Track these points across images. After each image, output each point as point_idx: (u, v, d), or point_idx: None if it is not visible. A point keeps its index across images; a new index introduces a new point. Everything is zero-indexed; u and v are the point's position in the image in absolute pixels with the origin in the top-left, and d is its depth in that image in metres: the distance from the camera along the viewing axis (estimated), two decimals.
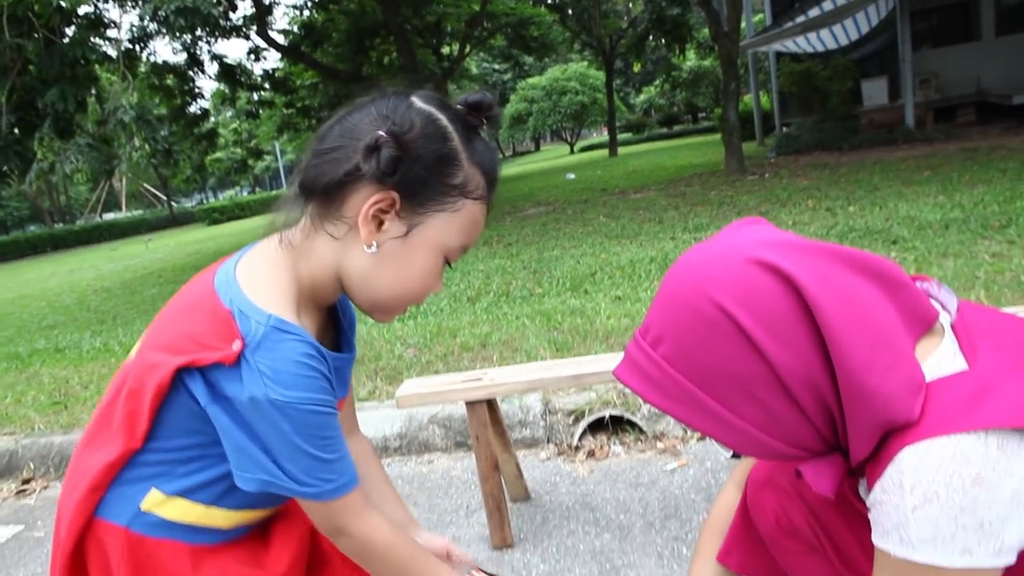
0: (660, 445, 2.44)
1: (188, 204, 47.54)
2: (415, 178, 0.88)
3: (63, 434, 3.22)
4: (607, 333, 3.31)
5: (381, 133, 0.85)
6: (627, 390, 2.59)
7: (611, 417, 2.53)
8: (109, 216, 40.71)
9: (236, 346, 0.83)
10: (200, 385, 0.86)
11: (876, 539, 0.86)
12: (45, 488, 3.04)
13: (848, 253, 0.87)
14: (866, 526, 1.06)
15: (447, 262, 0.95)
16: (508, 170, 27.55)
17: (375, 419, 2.73)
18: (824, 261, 0.85)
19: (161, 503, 0.93)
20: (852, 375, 0.82)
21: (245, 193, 45.85)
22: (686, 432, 2.47)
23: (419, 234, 0.91)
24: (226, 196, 43.83)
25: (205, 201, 48.49)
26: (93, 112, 8.59)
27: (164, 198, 40.43)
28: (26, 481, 3.08)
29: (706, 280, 0.85)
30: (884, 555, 0.85)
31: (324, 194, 0.89)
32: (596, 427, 2.55)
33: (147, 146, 10.92)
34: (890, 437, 0.84)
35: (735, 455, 0.97)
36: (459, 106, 0.93)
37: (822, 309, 0.81)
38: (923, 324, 0.89)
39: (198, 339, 0.85)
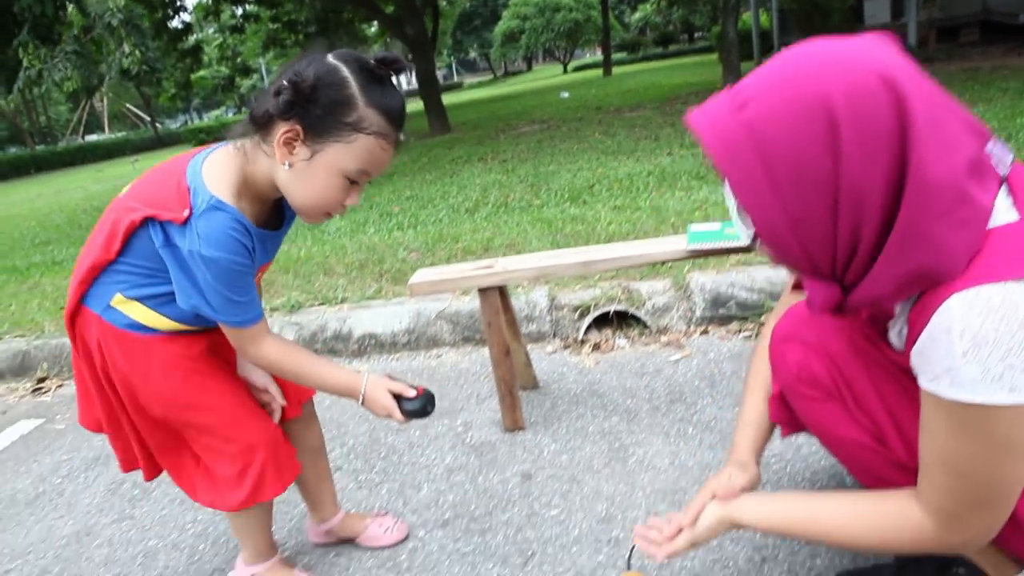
0: (664, 339, 2.51)
1: (173, 125, 46.46)
2: (314, 116, 1.16)
3: None
4: (609, 237, 3.35)
5: (284, 82, 1.15)
6: (631, 286, 2.64)
7: (616, 312, 2.59)
8: (92, 138, 39.79)
9: (185, 213, 1.19)
10: (159, 232, 1.22)
11: (925, 384, 0.90)
12: (60, 387, 3.11)
13: (958, 104, 0.87)
14: (884, 374, 1.12)
15: (353, 182, 1.22)
16: (500, 90, 27.00)
17: (384, 316, 2.79)
18: (937, 100, 0.84)
19: (122, 303, 1.30)
20: (922, 218, 0.82)
21: (231, 114, 44.69)
22: (689, 326, 2.54)
23: (320, 158, 1.19)
24: (212, 116, 42.86)
25: (190, 122, 47.37)
26: (76, 19, 8.28)
27: (147, 119, 39.48)
28: (41, 380, 3.14)
29: (825, 70, 0.83)
30: (934, 399, 0.89)
31: (258, 123, 1.21)
32: (601, 322, 2.62)
33: (137, 53, 10.58)
34: (931, 288, 0.86)
35: (751, 245, 0.99)
36: (372, 60, 1.19)
37: (923, 149, 0.80)
38: (996, 189, 0.88)
39: (164, 202, 1.21)
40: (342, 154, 1.18)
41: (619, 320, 2.60)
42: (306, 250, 4.09)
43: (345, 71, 1.17)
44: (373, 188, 6.53)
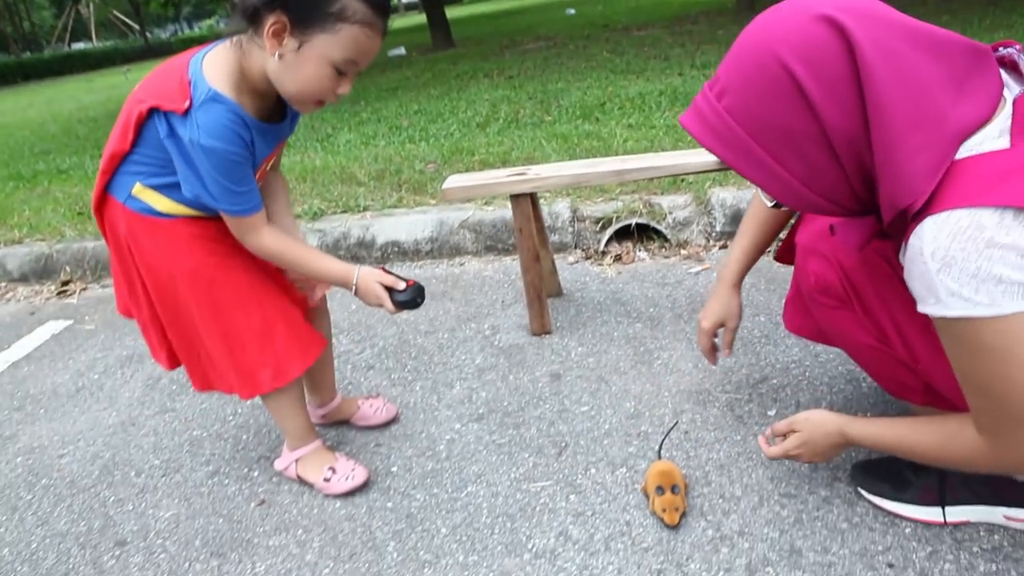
0: (684, 252, 2.56)
1: (163, 35, 44.97)
2: (299, 6, 1.20)
3: (95, 240, 3.29)
4: (627, 153, 3.35)
5: None
6: (653, 199, 2.68)
7: (637, 225, 2.63)
8: (79, 46, 38.54)
9: (186, 104, 1.24)
10: (163, 123, 1.28)
11: (920, 308, 0.96)
12: (84, 290, 3.17)
13: (922, 30, 0.90)
14: (889, 285, 1.20)
15: (341, 72, 1.27)
16: (503, 5, 26.14)
17: (406, 224, 2.82)
18: (893, 33, 0.88)
19: (141, 191, 1.39)
20: (884, 146, 0.88)
21: (223, 24, 43.13)
22: (708, 240, 2.59)
23: (308, 48, 1.23)
24: (203, 26, 41.44)
25: (180, 31, 45.84)
26: None
27: (136, 27, 38.19)
28: (65, 283, 3.19)
29: (772, 36, 0.89)
30: (935, 321, 0.96)
31: (247, 16, 1.24)
32: (621, 235, 2.67)
33: None
34: (915, 212, 0.91)
35: (776, 204, 1.08)
36: None
37: (872, 77, 0.85)
38: (990, 103, 0.92)
39: (167, 94, 1.27)
40: (328, 44, 1.23)
41: (640, 233, 2.65)
42: (321, 160, 4.08)
43: None
44: (379, 102, 6.44)
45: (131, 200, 1.39)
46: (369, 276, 1.45)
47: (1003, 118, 0.91)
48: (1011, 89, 0.95)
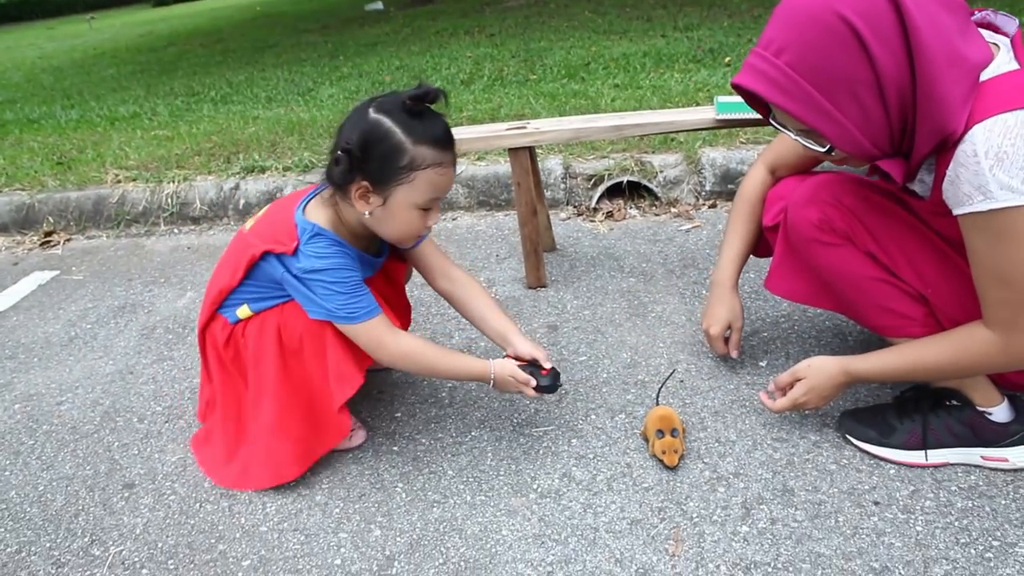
0: (674, 210, 2.61)
1: None
2: (374, 170, 1.33)
3: (77, 190, 3.24)
4: (616, 111, 3.37)
5: (339, 152, 1.34)
6: (644, 158, 2.71)
7: (628, 183, 2.67)
8: None
9: (293, 245, 1.40)
10: (278, 264, 1.44)
11: (960, 210, 1.10)
12: (68, 241, 3.13)
13: None
14: (898, 220, 1.33)
15: (425, 209, 1.39)
16: None
17: None
18: None
19: (246, 313, 1.54)
20: (928, 82, 1.03)
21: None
22: (698, 199, 2.64)
23: (392, 202, 1.37)
24: None
25: None
26: None
27: None
28: (48, 234, 3.14)
29: (833, 1, 1.03)
30: (971, 221, 1.10)
31: (335, 186, 1.40)
32: (613, 193, 2.70)
33: None
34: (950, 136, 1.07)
35: (828, 151, 1.16)
36: (405, 100, 1.32)
37: (916, 27, 1.00)
38: (987, 47, 1.09)
39: (278, 239, 1.43)
40: (408, 193, 1.36)
41: (631, 191, 2.69)
42: (307, 114, 4.03)
43: (387, 123, 1.32)
44: (359, 57, 6.34)
45: (235, 319, 1.55)
46: (504, 368, 1.48)
47: (1004, 53, 1.10)
48: (997, 40, 1.13)
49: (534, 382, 1.47)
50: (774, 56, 1.08)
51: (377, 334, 1.44)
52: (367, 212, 1.39)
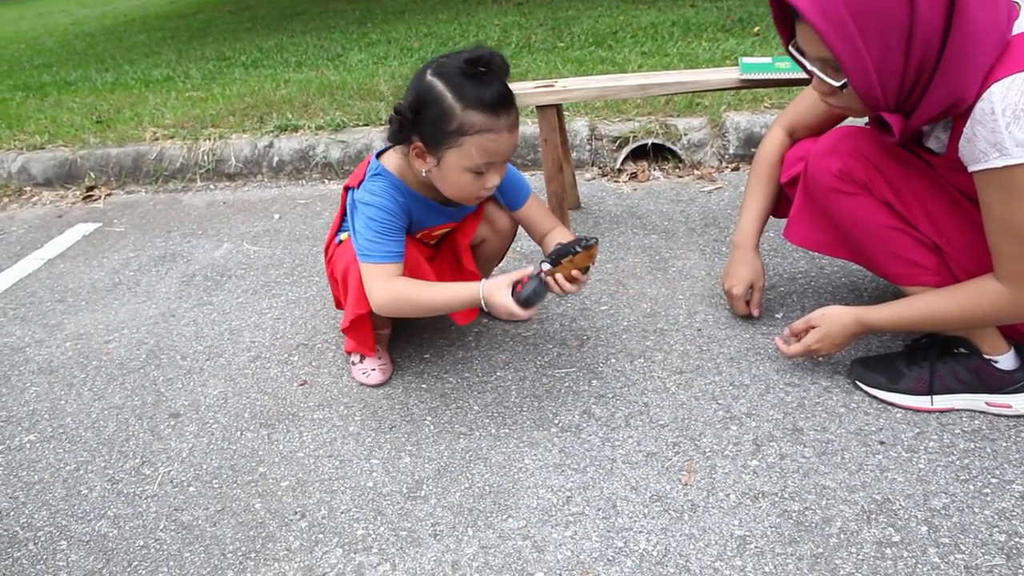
0: (697, 172, 2.66)
1: None
2: (426, 131, 1.39)
3: (117, 147, 3.35)
4: None
5: (393, 113, 1.41)
6: (668, 121, 2.76)
7: (652, 146, 2.72)
8: None
9: (360, 180, 1.55)
10: (351, 196, 1.57)
11: (976, 166, 1.14)
12: (109, 195, 3.24)
13: None
14: (916, 171, 1.37)
15: (481, 172, 1.41)
16: None
17: None
18: None
19: (344, 238, 1.67)
20: (963, 43, 1.06)
21: None
22: (721, 162, 2.68)
23: (444, 163, 1.42)
24: None
25: None
26: None
27: None
28: (90, 188, 3.26)
29: None
30: (986, 177, 1.14)
31: (396, 143, 1.48)
32: (637, 155, 2.75)
33: None
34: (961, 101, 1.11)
35: (842, 85, 1.20)
36: (463, 62, 1.34)
37: None
38: (1015, 11, 1.12)
39: (355, 177, 1.59)
40: (458, 156, 1.39)
41: (655, 153, 2.74)
42: (337, 76, 4.10)
43: (439, 85, 1.36)
44: (387, 24, 6.38)
45: (339, 242, 1.69)
46: (494, 286, 1.41)
47: (1023, 11, 1.13)
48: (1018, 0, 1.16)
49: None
50: None
51: (372, 278, 1.50)
52: (423, 171, 1.46)
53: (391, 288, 1.49)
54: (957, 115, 1.15)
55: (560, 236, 1.64)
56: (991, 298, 1.26)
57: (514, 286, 1.40)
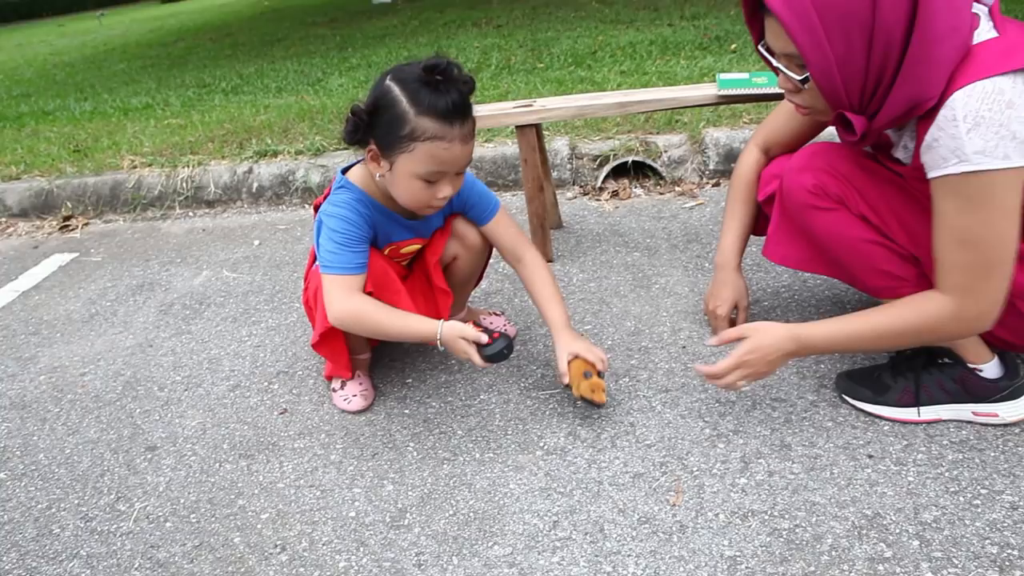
0: (678, 189, 2.66)
1: None
2: (380, 135, 1.39)
3: (94, 176, 3.32)
4: None
5: (349, 113, 1.40)
6: (648, 138, 2.76)
7: (633, 163, 2.72)
8: None
9: (326, 194, 1.56)
10: (318, 215, 1.55)
11: (934, 172, 1.14)
12: (86, 225, 3.20)
13: None
14: (888, 183, 1.37)
15: (432, 181, 1.41)
16: None
17: None
18: None
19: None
20: (926, 44, 1.07)
21: None
22: (702, 177, 2.69)
23: (396, 168, 1.42)
24: None
25: None
26: None
27: None
28: (67, 218, 3.22)
29: None
30: (943, 184, 1.14)
31: (352, 145, 1.46)
32: (618, 172, 2.75)
33: None
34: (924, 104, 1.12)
35: (803, 80, 1.20)
36: (419, 71, 1.34)
37: None
38: (975, 19, 1.14)
39: (323, 195, 1.58)
40: (409, 162, 1.39)
41: (636, 170, 2.74)
42: (317, 101, 4.10)
43: (396, 90, 1.36)
44: (367, 48, 6.40)
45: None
46: (451, 332, 1.45)
47: (985, 21, 1.15)
48: (978, 8, 1.17)
49: (484, 338, 1.44)
50: None
51: (332, 288, 1.48)
52: (378, 175, 1.46)
53: (352, 303, 1.48)
54: (920, 118, 1.16)
55: (542, 288, 1.65)
56: (932, 311, 1.22)
57: (478, 343, 1.45)
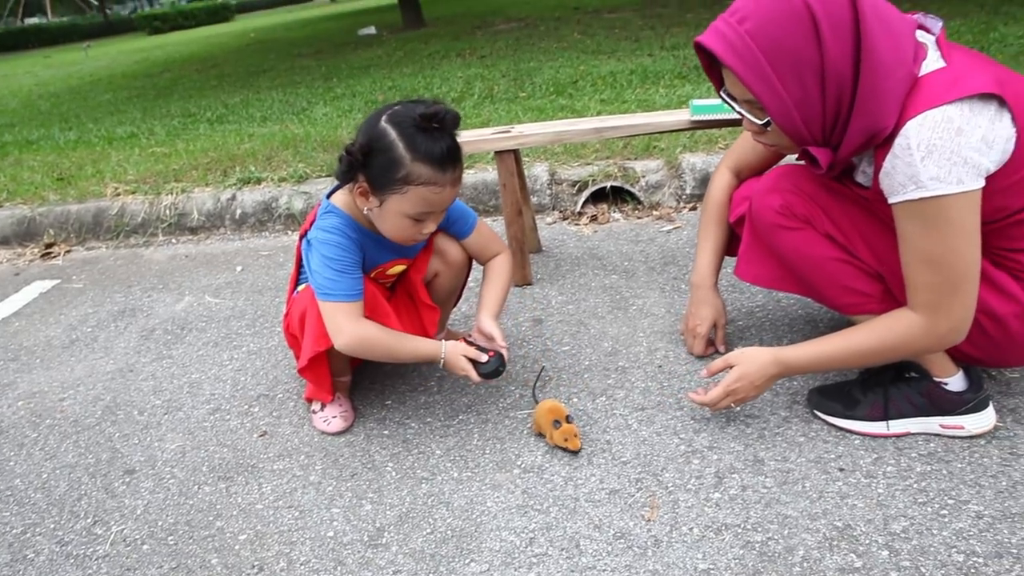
0: (656, 213, 2.71)
1: (122, 11, 43.79)
2: (374, 175, 1.43)
3: (77, 203, 3.33)
4: None
5: (343, 152, 1.44)
6: (626, 164, 2.82)
7: (611, 188, 2.77)
8: (33, 21, 37.43)
9: (312, 220, 1.58)
10: (305, 241, 1.58)
11: (894, 198, 1.20)
12: (68, 252, 3.21)
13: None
14: (852, 203, 1.42)
15: (419, 220, 1.48)
16: None
17: None
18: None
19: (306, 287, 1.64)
20: (873, 80, 1.14)
21: (184, 2, 42.19)
22: (679, 202, 2.74)
23: (386, 206, 1.47)
24: (165, 2, 40.45)
25: (140, 8, 44.64)
26: None
27: (95, 3, 37.15)
28: (49, 245, 3.22)
29: None
30: (904, 209, 1.20)
31: (343, 181, 1.51)
32: (597, 197, 2.80)
33: None
34: (881, 134, 1.17)
35: (765, 124, 1.26)
36: (417, 116, 1.39)
37: (868, 27, 1.12)
38: (922, 50, 1.20)
39: (308, 221, 1.61)
40: (401, 203, 1.45)
41: (614, 195, 2.79)
42: (301, 130, 4.14)
43: (393, 134, 1.40)
44: (352, 79, 6.47)
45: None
46: (454, 351, 1.56)
47: (933, 51, 1.21)
48: (926, 39, 1.23)
49: (483, 357, 1.55)
50: (737, 23, 1.18)
51: (339, 315, 1.51)
52: (366, 209, 1.51)
53: (361, 329, 1.52)
54: (878, 147, 1.21)
55: (492, 277, 1.74)
56: (906, 328, 1.29)
57: (476, 360, 1.56)
